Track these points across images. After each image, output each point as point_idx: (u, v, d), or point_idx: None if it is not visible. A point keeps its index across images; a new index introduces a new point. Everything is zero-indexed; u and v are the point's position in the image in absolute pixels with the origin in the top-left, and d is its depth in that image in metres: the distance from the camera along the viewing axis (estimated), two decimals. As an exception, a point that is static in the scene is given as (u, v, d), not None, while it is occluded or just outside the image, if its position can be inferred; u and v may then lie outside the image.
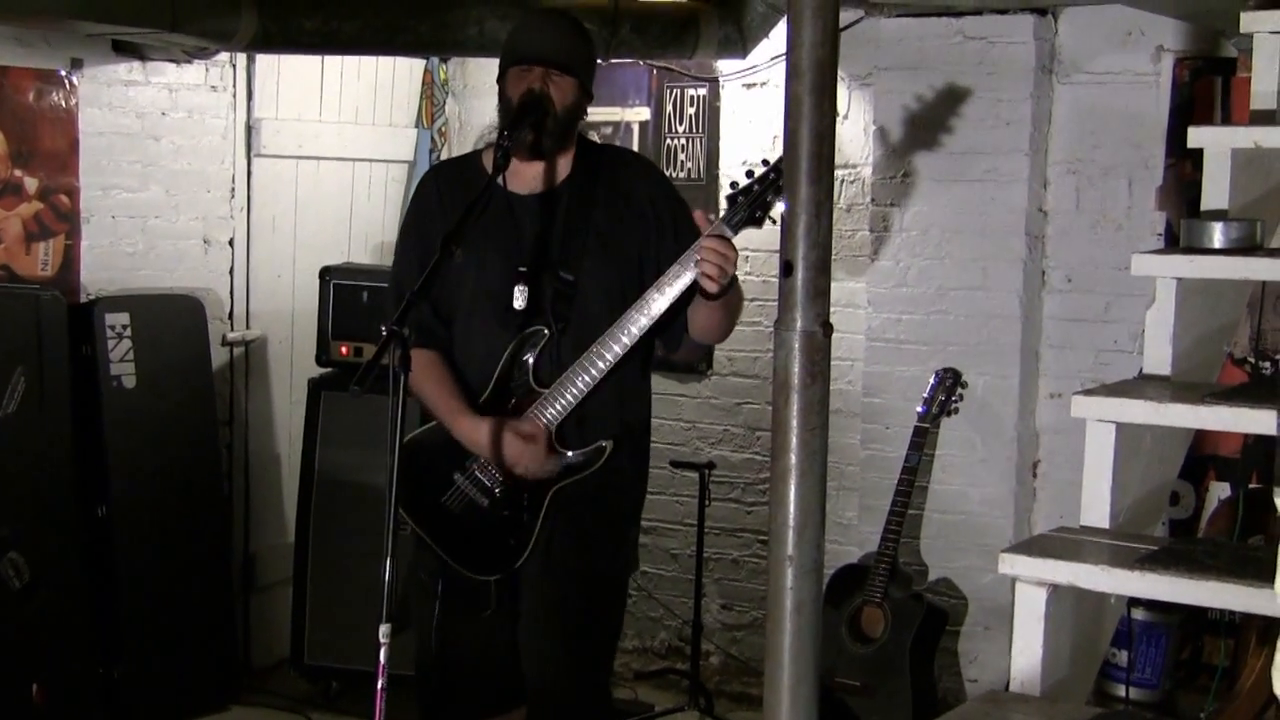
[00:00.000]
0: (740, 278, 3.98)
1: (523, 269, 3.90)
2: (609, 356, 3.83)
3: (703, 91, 6.53)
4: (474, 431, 3.88)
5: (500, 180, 3.83)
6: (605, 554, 4.04)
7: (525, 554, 3.91)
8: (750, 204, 3.79)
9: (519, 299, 3.89)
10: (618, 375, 3.88)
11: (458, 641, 3.99)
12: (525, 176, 3.95)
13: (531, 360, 3.89)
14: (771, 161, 3.76)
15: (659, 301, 3.81)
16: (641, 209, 3.99)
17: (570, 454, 3.90)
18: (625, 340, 3.83)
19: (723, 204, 3.87)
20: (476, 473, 3.93)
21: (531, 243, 3.93)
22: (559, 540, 3.93)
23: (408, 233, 4.14)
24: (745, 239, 3.91)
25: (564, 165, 3.99)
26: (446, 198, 3.99)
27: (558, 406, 3.86)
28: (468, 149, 7.05)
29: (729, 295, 3.85)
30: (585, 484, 3.92)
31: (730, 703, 6.27)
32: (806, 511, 2.65)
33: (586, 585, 3.99)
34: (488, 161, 3.97)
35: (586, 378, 3.84)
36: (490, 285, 3.92)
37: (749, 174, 3.82)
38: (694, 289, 3.81)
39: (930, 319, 5.87)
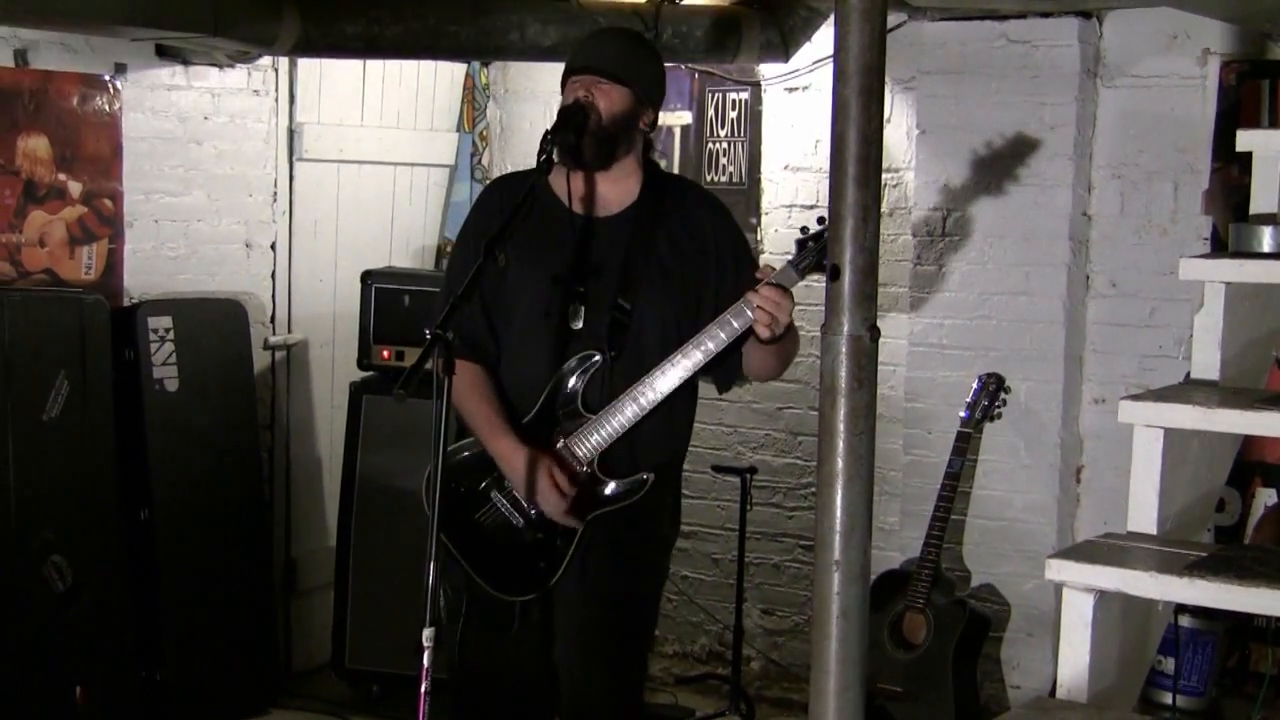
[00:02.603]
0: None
1: (582, 289, 3.88)
2: (659, 390, 3.80)
3: (744, 95, 6.51)
4: (512, 456, 3.84)
5: (566, 201, 3.85)
6: (640, 576, 4.03)
7: (555, 578, 3.88)
8: (819, 250, 3.71)
9: (576, 320, 3.87)
10: (665, 407, 3.84)
11: (483, 657, 3.98)
12: (591, 198, 3.94)
13: (582, 385, 3.86)
14: None
15: (715, 341, 3.78)
16: (704, 244, 3.96)
17: (611, 484, 3.87)
18: (677, 375, 3.80)
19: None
20: (514, 492, 3.90)
21: (593, 265, 3.90)
22: (594, 563, 3.90)
23: (465, 241, 4.11)
24: (785, 244, 3.89)
25: (631, 189, 3.97)
26: (509, 210, 3.97)
27: (603, 434, 3.83)
28: (509, 153, 7.11)
29: (784, 340, 3.82)
30: (621, 512, 3.89)
31: (771, 708, 6.25)
32: (853, 516, 2.65)
33: (622, 607, 3.97)
34: (554, 179, 3.95)
35: (635, 409, 3.81)
36: (548, 304, 3.89)
37: (820, 220, 3.76)
38: (749, 331, 3.79)
39: (973, 324, 5.84)
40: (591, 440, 3.84)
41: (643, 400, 3.81)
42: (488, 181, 6.38)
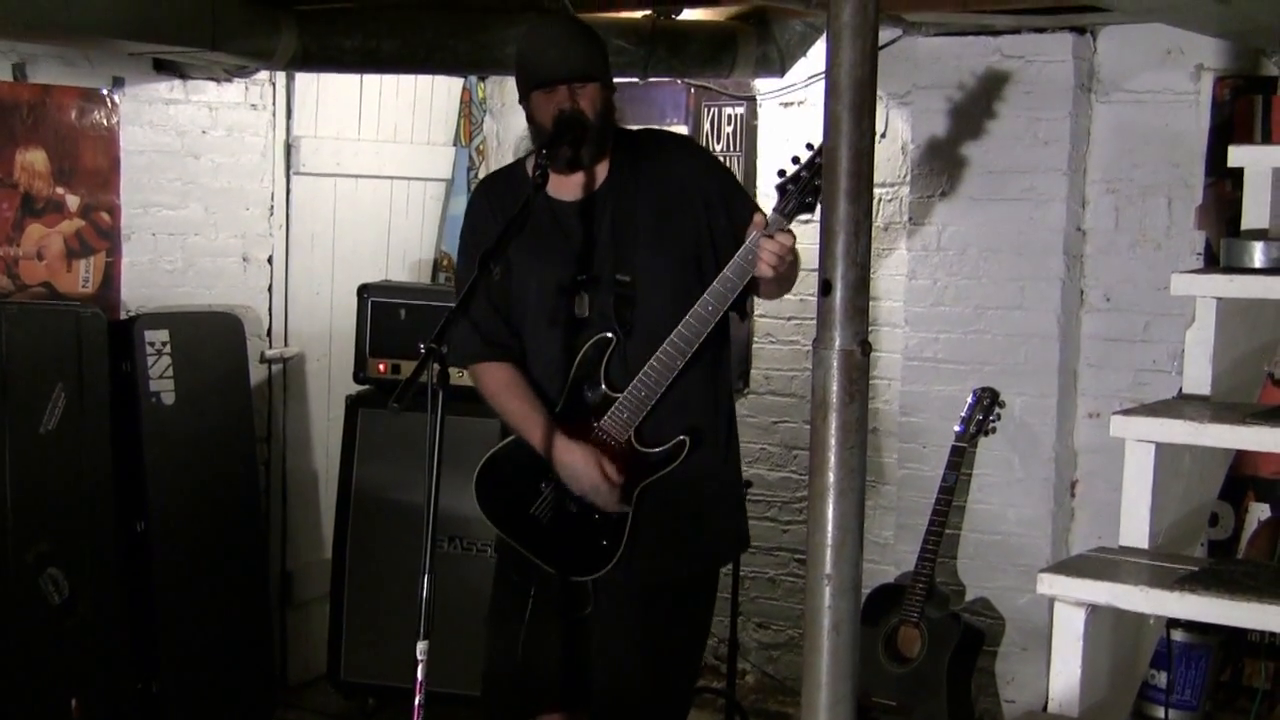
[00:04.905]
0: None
1: (581, 276, 3.91)
2: (679, 357, 3.83)
3: (740, 110, 6.53)
4: (555, 451, 3.89)
5: (545, 192, 3.85)
6: (693, 550, 4.05)
7: (619, 551, 3.92)
8: (800, 191, 3.77)
9: (581, 307, 3.91)
10: (690, 371, 3.86)
11: (543, 641, 4.01)
12: (568, 182, 3.95)
13: (602, 368, 3.90)
14: (815, 146, 3.71)
15: (719, 300, 3.80)
16: (687, 191, 3.97)
17: (651, 453, 3.91)
18: (693, 339, 3.82)
19: (773, 194, 3.85)
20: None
21: (583, 248, 3.93)
22: (645, 538, 3.93)
23: (465, 253, 4.14)
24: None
25: (603, 165, 3.98)
26: (499, 212, 3.97)
27: (634, 409, 3.86)
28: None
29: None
30: (671, 479, 3.92)
31: (766, 722, 6.27)
32: (845, 530, 2.64)
33: (673, 584, 4.01)
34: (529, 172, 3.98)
35: (659, 378, 3.84)
36: (551, 296, 3.93)
37: (795, 160, 3.80)
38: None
39: (968, 338, 5.85)
40: (623, 417, 3.88)
41: (665, 369, 3.83)
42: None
